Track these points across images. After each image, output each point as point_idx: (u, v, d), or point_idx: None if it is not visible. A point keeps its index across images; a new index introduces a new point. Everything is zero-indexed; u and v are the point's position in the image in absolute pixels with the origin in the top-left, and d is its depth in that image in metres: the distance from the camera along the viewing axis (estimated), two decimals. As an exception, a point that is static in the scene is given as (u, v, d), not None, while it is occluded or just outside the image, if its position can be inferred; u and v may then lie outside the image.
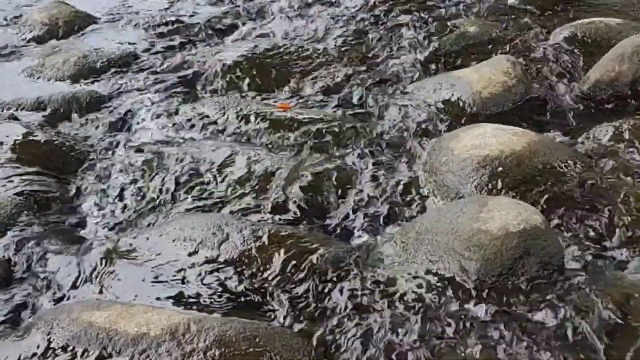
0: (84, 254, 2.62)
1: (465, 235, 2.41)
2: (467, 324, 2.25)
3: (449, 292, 2.34)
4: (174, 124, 3.40)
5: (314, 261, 2.48)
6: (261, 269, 2.47)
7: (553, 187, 2.76)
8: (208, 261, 2.51)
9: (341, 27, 4.24)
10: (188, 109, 3.48)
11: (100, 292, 2.47)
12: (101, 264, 2.56)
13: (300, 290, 2.41)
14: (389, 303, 2.33)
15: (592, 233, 2.59)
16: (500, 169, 2.78)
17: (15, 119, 3.48)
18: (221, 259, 2.51)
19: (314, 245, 2.53)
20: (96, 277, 2.52)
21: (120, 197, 2.94)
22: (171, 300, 2.41)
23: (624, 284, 2.36)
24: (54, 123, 3.49)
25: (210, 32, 4.38)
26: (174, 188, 2.95)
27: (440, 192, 2.83)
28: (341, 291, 2.39)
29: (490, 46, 3.94)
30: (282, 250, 2.51)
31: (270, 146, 3.18)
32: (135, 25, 4.52)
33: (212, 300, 2.40)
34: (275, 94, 3.66)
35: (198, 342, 2.12)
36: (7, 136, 3.23)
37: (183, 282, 2.47)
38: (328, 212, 2.79)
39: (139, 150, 3.21)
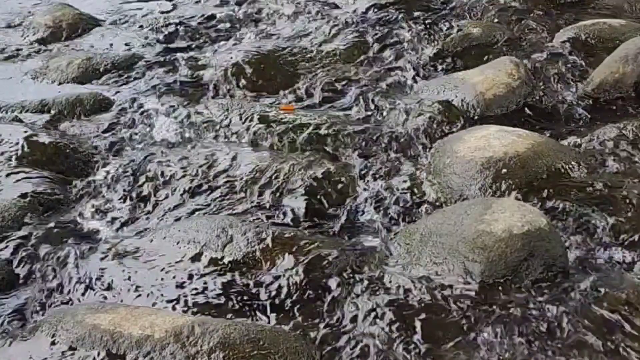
0: (88, 256, 2.62)
1: (469, 237, 2.40)
2: (471, 326, 2.25)
3: (453, 294, 2.34)
4: (178, 126, 3.40)
5: (318, 263, 2.48)
6: (265, 271, 2.47)
7: (557, 188, 2.75)
8: (212, 263, 2.51)
9: (344, 28, 4.24)
10: (192, 111, 3.48)
11: (105, 294, 2.47)
12: (105, 266, 2.57)
13: (304, 292, 2.41)
14: (393, 305, 2.32)
15: (596, 235, 2.58)
16: (504, 170, 2.77)
17: (20, 121, 3.48)
18: (225, 261, 2.51)
19: (318, 248, 2.53)
20: (100, 279, 2.52)
21: (125, 199, 2.94)
22: (175, 303, 2.41)
23: (628, 285, 2.36)
24: (58, 125, 3.50)
25: (213, 34, 4.38)
26: (178, 190, 2.95)
27: (444, 194, 2.83)
28: (345, 293, 2.39)
29: (494, 48, 3.94)
30: (286, 253, 2.51)
31: (273, 148, 3.18)
32: (139, 27, 4.53)
33: (216, 302, 2.40)
34: (279, 96, 3.66)
35: (202, 345, 2.12)
36: (11, 138, 3.24)
37: (187, 285, 2.46)
38: (332, 214, 2.79)
39: (143, 152, 3.21)
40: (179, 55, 4.11)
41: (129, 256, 2.60)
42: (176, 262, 2.54)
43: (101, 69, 3.99)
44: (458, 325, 2.25)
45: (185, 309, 2.38)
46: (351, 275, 2.45)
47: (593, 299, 2.31)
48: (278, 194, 2.86)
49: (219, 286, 2.44)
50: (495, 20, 4.25)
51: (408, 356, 2.18)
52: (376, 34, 4.15)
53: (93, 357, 2.15)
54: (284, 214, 2.78)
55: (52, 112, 3.60)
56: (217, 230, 2.59)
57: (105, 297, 2.45)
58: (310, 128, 3.26)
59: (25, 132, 3.30)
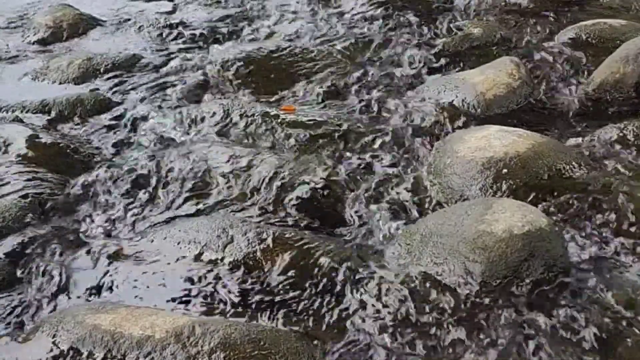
0: (88, 256, 2.62)
1: (470, 237, 2.40)
2: (472, 326, 2.25)
3: (454, 295, 2.34)
4: (178, 126, 3.40)
5: (319, 264, 2.48)
6: (266, 271, 2.47)
7: (558, 188, 2.75)
8: (213, 263, 2.51)
9: (345, 29, 4.25)
10: (192, 111, 3.49)
11: (105, 294, 2.47)
12: (106, 266, 2.57)
13: (305, 292, 2.41)
14: (393, 305, 2.33)
15: (596, 235, 2.58)
16: (504, 171, 2.77)
17: (20, 121, 3.49)
18: (226, 262, 2.51)
19: (319, 248, 2.53)
20: (101, 279, 2.52)
21: (125, 199, 2.94)
22: (176, 303, 2.41)
23: (629, 286, 2.36)
24: (58, 125, 3.50)
25: (214, 34, 4.38)
26: (178, 190, 2.95)
27: (444, 194, 2.83)
28: (346, 294, 2.39)
29: (494, 48, 3.94)
30: (286, 253, 2.51)
31: (274, 148, 3.18)
32: (140, 27, 4.53)
33: (217, 302, 2.40)
34: (279, 96, 3.66)
35: (203, 345, 2.12)
36: (12, 138, 3.24)
37: (188, 285, 2.47)
38: (332, 215, 2.79)
39: (143, 152, 3.21)
40: (179, 55, 4.12)
41: (129, 256, 2.60)
42: (177, 263, 2.54)
43: (102, 69, 3.99)
44: (458, 326, 2.25)
45: (186, 309, 2.38)
46: (352, 275, 2.45)
47: (594, 299, 2.31)
48: (278, 194, 2.86)
49: (220, 286, 2.45)
50: (496, 20, 4.25)
51: (408, 356, 2.18)
52: (376, 34, 4.15)
53: (94, 358, 2.16)
54: (285, 214, 2.78)
55: (53, 112, 3.60)
56: (218, 231, 2.59)
57: (105, 298, 2.45)
58: (311, 128, 3.26)
59: (26, 132, 3.30)
